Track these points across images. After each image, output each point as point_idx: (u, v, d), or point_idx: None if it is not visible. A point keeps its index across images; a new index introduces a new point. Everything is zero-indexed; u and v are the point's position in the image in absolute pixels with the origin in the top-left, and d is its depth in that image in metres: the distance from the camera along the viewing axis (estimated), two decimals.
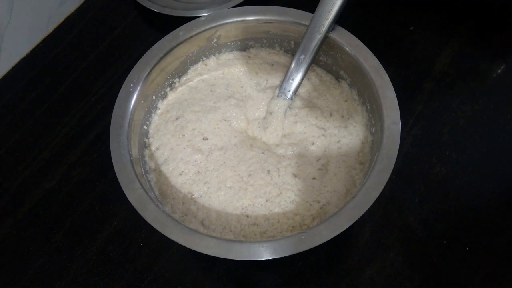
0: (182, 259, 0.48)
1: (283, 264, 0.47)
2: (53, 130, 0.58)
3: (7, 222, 0.52)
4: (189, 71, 0.52)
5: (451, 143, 0.53)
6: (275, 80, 0.52)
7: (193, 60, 0.52)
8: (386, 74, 0.43)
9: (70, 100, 0.61)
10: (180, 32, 0.48)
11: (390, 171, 0.38)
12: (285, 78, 0.49)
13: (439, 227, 0.48)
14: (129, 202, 0.38)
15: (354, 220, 0.36)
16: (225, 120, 0.49)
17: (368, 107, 0.46)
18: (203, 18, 0.49)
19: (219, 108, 0.50)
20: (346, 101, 0.50)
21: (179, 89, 0.52)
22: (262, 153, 0.46)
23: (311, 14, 0.46)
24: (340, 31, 0.46)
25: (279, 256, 0.35)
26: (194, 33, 0.48)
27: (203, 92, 0.51)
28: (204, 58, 0.53)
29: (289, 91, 0.49)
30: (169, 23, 0.54)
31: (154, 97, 0.49)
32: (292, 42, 0.51)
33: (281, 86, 0.49)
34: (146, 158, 0.47)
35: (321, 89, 0.51)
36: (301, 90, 0.50)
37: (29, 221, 0.52)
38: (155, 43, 0.47)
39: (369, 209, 0.36)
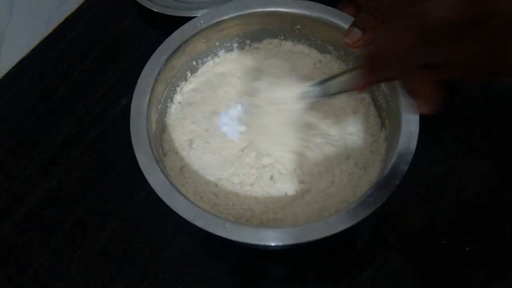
0: (182, 259, 0.48)
1: (283, 264, 0.47)
2: (53, 130, 0.58)
3: (7, 222, 0.52)
4: (215, 57, 0.51)
5: (451, 143, 0.53)
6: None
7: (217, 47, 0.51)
8: None
9: (70, 100, 0.61)
10: (201, 20, 0.47)
11: (399, 180, 0.38)
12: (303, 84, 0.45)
13: (439, 227, 0.48)
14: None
15: (355, 221, 0.36)
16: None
17: (376, 107, 0.45)
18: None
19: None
20: (353, 100, 0.49)
21: (201, 73, 0.51)
22: None
23: (318, 4, 0.46)
24: None
25: (284, 243, 0.35)
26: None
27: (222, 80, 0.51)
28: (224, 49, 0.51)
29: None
30: (169, 23, 0.54)
31: (174, 80, 0.48)
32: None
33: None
34: (164, 141, 0.47)
35: None
36: None
37: (29, 221, 0.52)
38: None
39: None
